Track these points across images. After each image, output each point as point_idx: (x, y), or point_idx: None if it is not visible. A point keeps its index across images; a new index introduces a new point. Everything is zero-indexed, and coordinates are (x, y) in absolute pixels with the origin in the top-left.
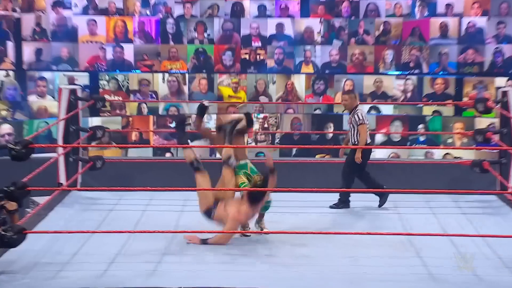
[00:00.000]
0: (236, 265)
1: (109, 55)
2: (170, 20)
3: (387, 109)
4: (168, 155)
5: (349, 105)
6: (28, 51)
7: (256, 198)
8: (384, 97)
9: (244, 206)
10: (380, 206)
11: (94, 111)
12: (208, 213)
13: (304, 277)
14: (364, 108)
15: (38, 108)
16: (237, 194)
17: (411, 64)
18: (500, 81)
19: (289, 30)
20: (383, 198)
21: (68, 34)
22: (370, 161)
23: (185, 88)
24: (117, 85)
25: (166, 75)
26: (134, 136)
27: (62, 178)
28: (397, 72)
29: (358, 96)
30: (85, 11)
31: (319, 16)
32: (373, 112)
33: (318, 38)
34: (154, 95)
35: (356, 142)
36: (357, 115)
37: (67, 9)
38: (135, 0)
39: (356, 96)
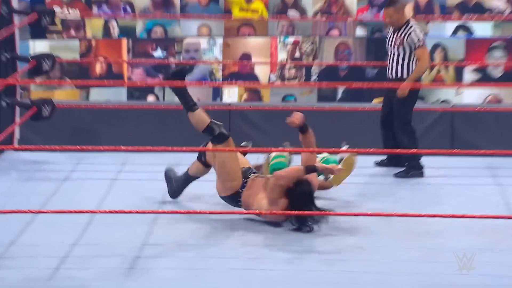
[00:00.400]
0: (255, 261)
1: None
2: None
3: (483, 29)
4: (150, 99)
5: (396, 21)
6: None
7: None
8: (480, 10)
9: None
10: (398, 176)
11: (39, 31)
12: (234, 197)
13: (353, 282)
14: (443, 27)
15: None
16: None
17: None
18: None
19: None
20: (412, 168)
21: None
22: (451, 109)
23: None
24: None
25: None
26: (99, 68)
27: None
28: None
29: (408, 9)
30: None
31: None
32: (461, 33)
33: None
34: (128, 8)
35: (404, 75)
36: (413, 34)
37: None
38: None
39: (403, 7)
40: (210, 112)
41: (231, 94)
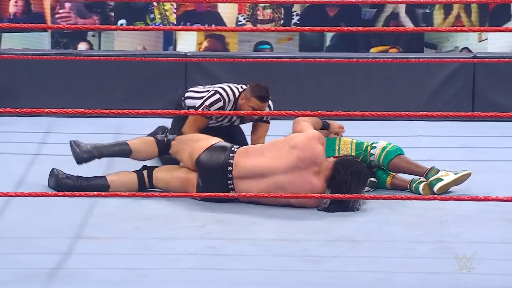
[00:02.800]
0: (218, 259)
1: None
2: None
3: None
4: (82, 47)
5: None
6: None
7: None
8: None
9: None
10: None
11: None
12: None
13: (345, 284)
14: None
15: None
16: None
17: None
18: None
19: None
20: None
21: None
22: (472, 60)
23: None
24: None
25: None
26: (12, 6)
27: None
28: None
29: None
30: None
31: None
32: None
33: None
34: None
35: None
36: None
37: None
38: None
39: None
40: (161, 64)
41: (188, 41)
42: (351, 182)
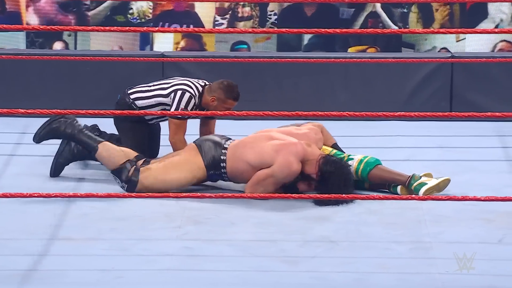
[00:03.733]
0: (195, 260)
1: None
2: None
3: None
4: (58, 46)
5: None
6: None
7: None
8: None
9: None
10: None
11: None
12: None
13: (323, 284)
14: None
15: None
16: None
17: None
18: None
19: None
20: None
21: None
22: (450, 59)
23: None
24: None
25: None
26: None
27: None
28: None
29: None
30: None
31: None
32: None
33: None
34: None
35: None
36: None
37: None
38: None
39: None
40: (138, 64)
41: (165, 41)
42: (336, 175)
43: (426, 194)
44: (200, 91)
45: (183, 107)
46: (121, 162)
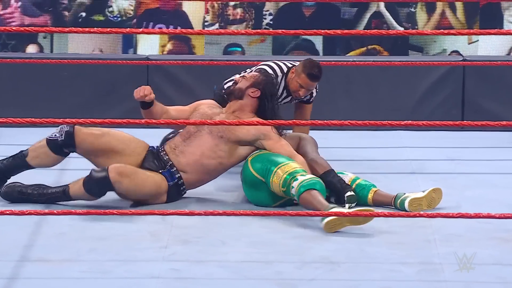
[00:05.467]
0: (184, 284)
1: None
2: None
3: None
4: (31, 49)
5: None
6: None
7: None
8: None
9: None
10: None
11: None
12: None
13: None
14: None
15: None
16: None
17: None
18: None
19: None
20: None
21: None
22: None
23: None
24: None
25: None
26: None
27: None
28: None
29: None
30: None
31: None
32: None
33: None
34: None
35: None
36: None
37: None
38: None
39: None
40: (120, 68)
41: (150, 43)
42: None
43: (414, 208)
44: (285, 71)
45: None
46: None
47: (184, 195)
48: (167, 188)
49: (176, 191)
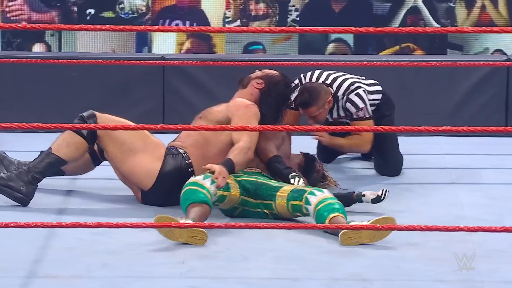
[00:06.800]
0: None
1: None
2: None
3: None
4: (38, 48)
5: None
6: None
7: None
8: None
9: None
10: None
11: None
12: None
13: None
14: None
15: None
16: None
17: None
18: None
19: None
20: None
21: None
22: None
23: None
24: None
25: None
26: None
27: None
28: None
29: None
30: None
31: None
32: None
33: None
34: None
35: None
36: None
37: None
38: None
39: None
40: (134, 68)
41: (166, 41)
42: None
43: (348, 242)
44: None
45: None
46: None
47: None
48: (163, 153)
49: (175, 159)
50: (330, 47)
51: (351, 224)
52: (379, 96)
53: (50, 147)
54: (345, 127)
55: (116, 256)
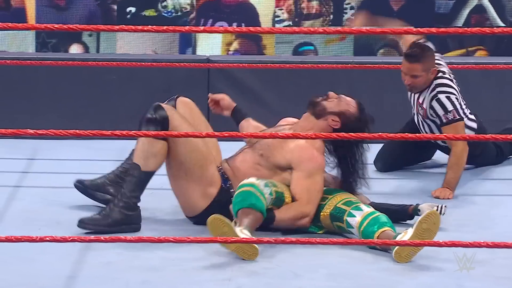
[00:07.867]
0: None
1: None
2: None
3: None
4: (76, 49)
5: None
6: None
7: None
8: None
9: None
10: None
11: None
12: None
13: None
14: None
15: None
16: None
17: None
18: None
19: None
20: None
21: None
22: None
23: None
24: None
25: None
26: None
27: None
28: None
29: None
30: None
31: None
32: None
33: None
34: None
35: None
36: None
37: None
38: None
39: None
40: (176, 71)
41: (211, 42)
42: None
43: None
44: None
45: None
46: None
47: None
48: (219, 183)
49: (226, 195)
50: (382, 50)
51: (402, 239)
52: (474, 125)
53: (137, 164)
54: (358, 134)
55: (158, 273)
